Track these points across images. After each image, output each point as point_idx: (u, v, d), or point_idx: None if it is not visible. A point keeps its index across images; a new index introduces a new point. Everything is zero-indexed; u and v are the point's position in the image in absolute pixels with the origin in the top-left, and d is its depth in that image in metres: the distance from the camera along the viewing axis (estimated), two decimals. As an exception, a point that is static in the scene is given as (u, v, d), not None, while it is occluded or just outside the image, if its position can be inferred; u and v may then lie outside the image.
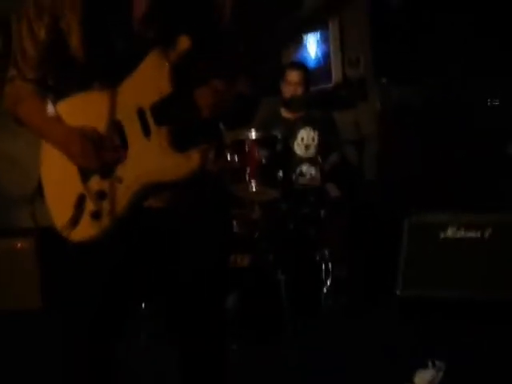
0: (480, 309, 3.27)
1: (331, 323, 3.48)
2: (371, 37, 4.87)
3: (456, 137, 4.21)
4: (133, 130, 1.60)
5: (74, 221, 1.61)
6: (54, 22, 1.66)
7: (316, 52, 5.02)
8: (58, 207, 1.70)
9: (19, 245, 4.25)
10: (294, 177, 3.95)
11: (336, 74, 4.93)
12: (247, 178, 3.31)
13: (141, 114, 1.58)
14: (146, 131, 1.59)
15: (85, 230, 1.61)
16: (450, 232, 3.56)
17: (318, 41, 5.00)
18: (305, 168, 4.04)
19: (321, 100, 4.17)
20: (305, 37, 4.99)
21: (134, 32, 1.60)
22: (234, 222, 3.57)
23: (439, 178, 4.19)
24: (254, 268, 3.50)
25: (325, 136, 4.05)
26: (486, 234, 3.48)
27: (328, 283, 3.67)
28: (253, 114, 1.74)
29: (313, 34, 4.99)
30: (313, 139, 4.04)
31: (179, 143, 1.57)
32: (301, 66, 4.21)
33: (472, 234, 3.52)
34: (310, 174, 4.01)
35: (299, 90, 3.99)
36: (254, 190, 3.57)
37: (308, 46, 5.06)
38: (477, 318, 3.22)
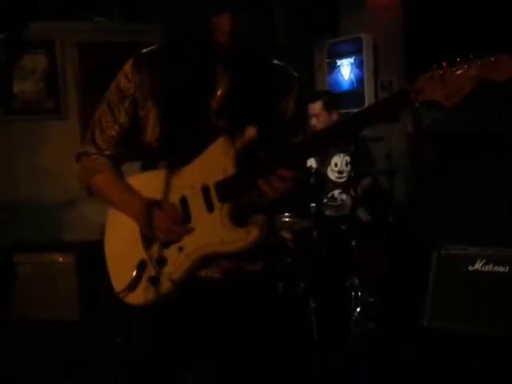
0: (505, 345, 3.32)
1: (359, 349, 3.57)
2: (404, 61, 4.92)
3: (488, 167, 4.24)
4: (196, 204, 1.73)
5: (134, 285, 1.72)
6: (134, 108, 1.81)
7: (350, 76, 5.08)
8: (119, 271, 1.83)
9: (61, 259, 4.45)
10: (325, 201, 4.06)
11: (369, 98, 4.98)
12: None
13: (205, 190, 1.72)
14: (209, 206, 1.72)
15: (142, 295, 1.73)
16: (478, 265, 3.58)
17: (351, 64, 5.06)
18: (336, 193, 4.12)
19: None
20: (339, 61, 5.06)
21: (208, 121, 1.74)
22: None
23: (469, 208, 4.23)
24: (286, 295, 3.63)
25: (358, 162, 4.09)
26: None
27: (357, 310, 3.74)
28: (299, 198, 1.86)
29: (347, 58, 5.06)
30: (346, 165, 4.10)
31: (239, 218, 1.70)
32: (317, 96, 4.26)
33: (500, 269, 3.51)
34: (342, 200, 4.10)
35: (321, 119, 4.09)
36: (286, 220, 3.71)
37: (342, 69, 5.13)
38: (501, 354, 3.26)
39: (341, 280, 3.81)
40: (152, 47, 1.84)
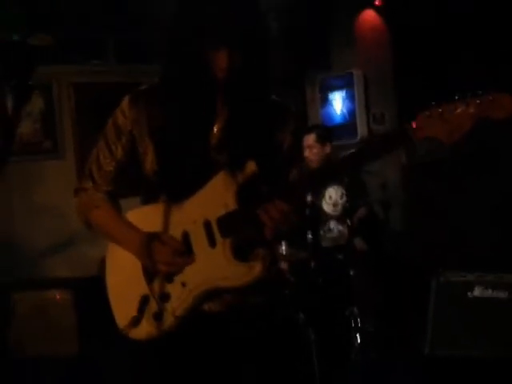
0: (507, 369, 3.31)
1: (359, 378, 3.59)
2: (395, 93, 5.06)
3: (483, 193, 4.28)
4: (199, 239, 1.74)
5: (137, 320, 1.72)
6: (131, 143, 1.83)
7: (341, 109, 5.22)
8: (121, 307, 1.82)
9: (58, 296, 4.45)
10: (322, 232, 4.08)
11: (361, 130, 5.11)
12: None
13: (207, 225, 1.72)
14: (211, 241, 1.72)
15: (145, 330, 1.73)
16: (477, 291, 3.59)
17: (343, 98, 5.19)
18: (333, 224, 4.15)
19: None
20: (331, 95, 5.19)
21: (207, 157, 1.75)
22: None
23: (467, 235, 4.26)
24: (285, 327, 3.61)
25: (352, 193, 4.14)
26: None
27: (358, 340, 3.75)
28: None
29: (339, 91, 5.19)
30: (341, 197, 4.14)
31: (241, 253, 1.71)
32: (311, 129, 4.35)
33: (500, 294, 3.54)
34: (338, 231, 4.12)
35: (314, 151, 4.15)
36: (283, 252, 3.73)
37: (334, 103, 5.26)
38: (503, 378, 3.25)
39: (340, 309, 3.81)
40: (149, 84, 1.86)
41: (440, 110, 1.54)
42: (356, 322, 3.79)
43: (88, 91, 5.04)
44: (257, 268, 1.69)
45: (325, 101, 5.26)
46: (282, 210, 1.64)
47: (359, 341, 3.77)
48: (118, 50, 5.29)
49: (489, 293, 3.57)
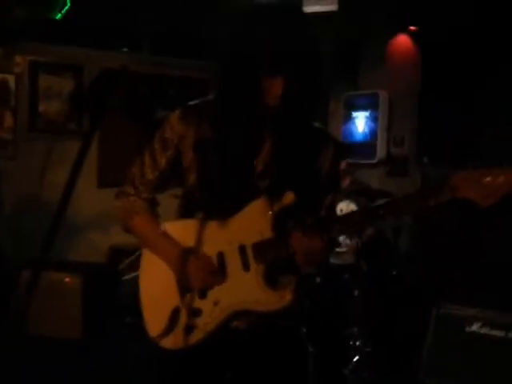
0: None
1: None
2: (418, 119, 5.08)
3: (490, 230, 4.34)
4: (233, 261, 1.81)
5: (167, 331, 1.81)
6: (176, 157, 1.88)
7: (364, 128, 5.26)
8: (154, 316, 1.89)
9: (67, 279, 4.54)
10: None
11: (380, 151, 5.16)
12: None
13: (242, 249, 1.79)
14: (245, 265, 1.79)
15: (175, 341, 1.80)
16: (475, 327, 3.65)
17: (366, 117, 5.24)
18: (341, 238, 4.21)
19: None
20: (354, 113, 5.25)
21: (250, 181, 1.81)
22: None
23: (470, 267, 4.30)
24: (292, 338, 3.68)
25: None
26: (511, 335, 3.53)
27: (354, 359, 3.81)
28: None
29: (363, 111, 5.24)
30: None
31: (273, 279, 1.78)
32: None
33: (497, 333, 3.57)
34: (346, 245, 4.16)
35: None
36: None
37: (357, 121, 5.31)
38: None
39: (340, 328, 3.87)
40: (200, 100, 1.90)
41: (477, 175, 1.60)
42: (355, 342, 3.85)
43: (118, 78, 5.08)
44: (287, 297, 1.75)
45: (348, 118, 5.31)
46: (313, 241, 1.70)
47: (355, 359, 3.82)
48: (151, 42, 5.37)
49: (486, 330, 3.60)
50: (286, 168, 1.79)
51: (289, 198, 1.77)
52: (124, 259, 4.94)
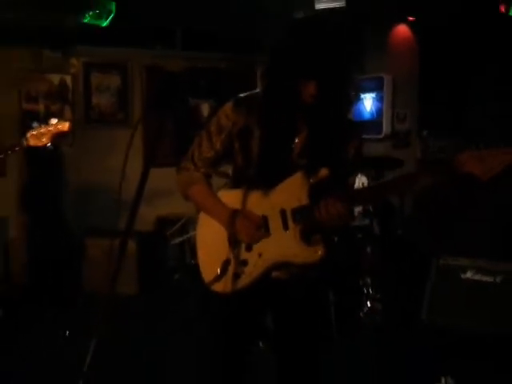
0: (489, 341, 3.72)
1: (367, 338, 4.12)
2: (418, 96, 5.35)
3: (482, 194, 4.50)
4: (275, 222, 2.02)
5: (219, 277, 2.02)
6: (229, 140, 2.09)
7: (371, 107, 5.61)
8: (208, 265, 2.11)
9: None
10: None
11: (386, 127, 5.53)
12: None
13: (283, 213, 2.01)
14: (285, 226, 2.01)
15: (225, 286, 2.03)
16: (468, 274, 4.01)
17: (373, 98, 5.60)
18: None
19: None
20: (362, 94, 5.57)
21: (290, 160, 2.02)
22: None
23: (467, 223, 4.64)
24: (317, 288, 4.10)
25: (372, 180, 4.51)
26: (498, 279, 3.92)
27: (368, 305, 4.30)
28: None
29: (370, 93, 5.59)
30: (362, 184, 4.47)
31: (307, 237, 2.01)
32: None
33: (487, 278, 3.94)
34: (358, 212, 4.54)
35: None
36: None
37: (364, 101, 5.65)
38: (485, 347, 3.66)
39: (356, 279, 4.34)
40: (249, 92, 2.10)
41: (480, 154, 1.77)
42: (368, 290, 4.29)
43: (156, 72, 5.52)
44: (319, 252, 1.96)
45: (357, 99, 5.66)
46: (338, 208, 1.90)
47: (368, 305, 4.28)
48: (183, 38, 5.73)
49: (478, 276, 3.98)
50: (320, 150, 1.98)
51: (324, 172, 1.96)
52: (169, 228, 5.38)
